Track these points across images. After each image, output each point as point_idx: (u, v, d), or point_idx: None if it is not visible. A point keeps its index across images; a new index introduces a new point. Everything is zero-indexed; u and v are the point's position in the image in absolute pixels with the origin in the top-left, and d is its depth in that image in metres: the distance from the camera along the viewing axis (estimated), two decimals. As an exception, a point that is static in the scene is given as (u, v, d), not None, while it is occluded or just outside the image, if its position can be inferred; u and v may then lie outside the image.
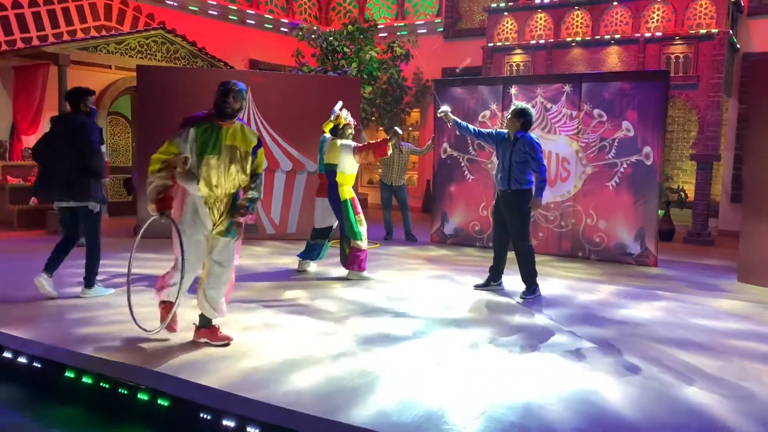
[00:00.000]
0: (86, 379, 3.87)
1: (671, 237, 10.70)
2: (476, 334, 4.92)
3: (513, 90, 9.11)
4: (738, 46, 11.47)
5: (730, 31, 10.55)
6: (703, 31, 10.44)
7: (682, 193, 11.39)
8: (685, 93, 10.63)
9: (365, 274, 6.82)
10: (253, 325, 4.93)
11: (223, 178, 4.23)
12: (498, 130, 6.57)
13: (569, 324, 5.29)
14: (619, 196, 8.43)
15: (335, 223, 7.04)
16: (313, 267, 7.24)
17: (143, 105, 9.33)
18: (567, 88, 8.70)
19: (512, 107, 6.39)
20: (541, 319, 5.46)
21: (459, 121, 6.65)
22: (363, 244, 6.76)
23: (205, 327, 4.46)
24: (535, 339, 4.82)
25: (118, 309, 5.35)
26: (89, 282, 5.85)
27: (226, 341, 4.40)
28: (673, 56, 10.73)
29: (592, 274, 7.61)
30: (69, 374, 3.94)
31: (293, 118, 9.23)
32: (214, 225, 4.33)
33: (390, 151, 6.65)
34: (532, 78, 10.09)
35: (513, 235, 6.28)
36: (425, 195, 14.52)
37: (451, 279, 7.04)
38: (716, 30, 10.35)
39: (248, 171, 4.35)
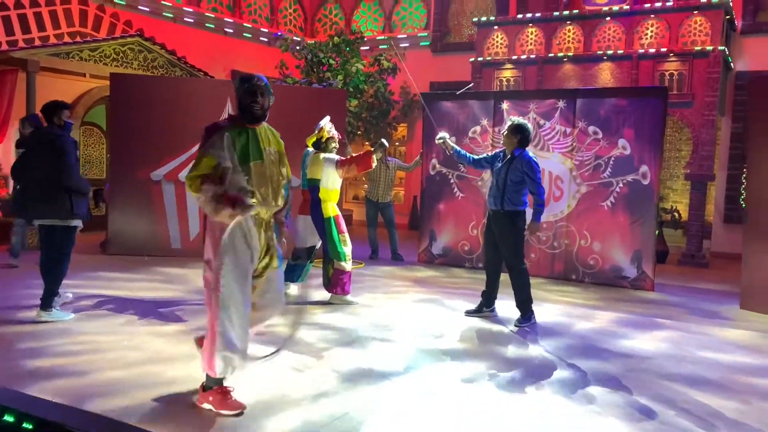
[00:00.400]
0: (27, 425, 3.37)
1: (665, 259, 10.37)
2: (470, 368, 4.49)
3: (505, 105, 8.76)
4: (732, 64, 11.26)
5: (725, 49, 10.32)
6: (698, 48, 10.20)
7: (675, 214, 11.09)
8: (680, 111, 10.37)
9: (349, 298, 6.37)
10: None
11: (271, 189, 3.59)
12: (495, 151, 6.19)
13: (570, 356, 4.88)
14: (614, 217, 8.08)
15: (318, 243, 6.60)
16: (293, 290, 6.76)
17: (117, 115, 8.84)
18: (561, 103, 8.36)
19: (508, 123, 6.00)
20: (539, 350, 5.04)
21: (458, 149, 6.25)
22: (347, 265, 6.33)
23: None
24: (535, 375, 4.40)
25: (77, 337, 4.87)
26: (47, 304, 5.35)
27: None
28: (667, 73, 10.48)
29: (588, 299, 7.22)
30: (8, 418, 3.43)
31: (275, 130, 8.79)
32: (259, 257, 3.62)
33: (374, 164, 6.22)
34: (525, 93, 9.76)
35: (506, 257, 5.88)
36: (412, 212, 14.11)
37: (441, 303, 6.61)
38: (711, 47, 10.11)
39: (284, 175, 3.78)
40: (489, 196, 5.99)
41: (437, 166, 9.21)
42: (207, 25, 13.63)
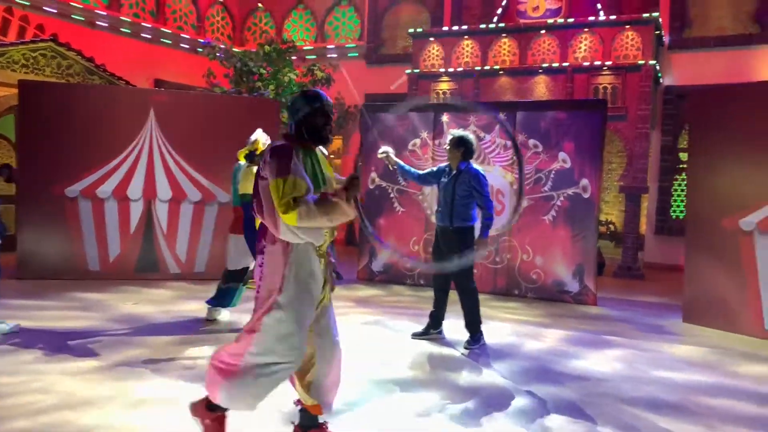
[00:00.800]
0: None
1: (602, 271, 10.39)
2: (423, 399, 4.14)
3: (445, 118, 8.54)
4: (661, 79, 11.50)
5: (656, 63, 10.52)
6: (630, 62, 10.34)
7: (611, 226, 11.18)
8: (614, 124, 10.45)
9: (286, 322, 5.91)
10: (145, 399, 3.91)
11: None
12: (439, 166, 5.89)
13: (525, 382, 4.61)
14: (555, 231, 7.97)
15: (251, 264, 6.12)
16: (224, 315, 6.25)
17: (27, 125, 8.04)
18: (501, 116, 8.21)
19: (449, 136, 5.72)
20: (492, 376, 4.75)
21: (402, 164, 5.85)
22: (283, 287, 5.87)
23: (314, 427, 3.34)
24: (492, 404, 4.09)
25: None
26: None
27: None
28: (601, 87, 10.58)
29: (533, 315, 7.04)
30: None
31: (203, 142, 8.26)
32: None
33: None
34: (465, 105, 9.57)
35: (456, 276, 5.60)
36: (348, 227, 13.75)
37: (385, 325, 6.25)
38: (643, 61, 10.27)
39: None
40: (437, 212, 5.70)
41: (376, 179, 8.89)
42: (123, 29, 12.82)
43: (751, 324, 6.33)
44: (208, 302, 6.15)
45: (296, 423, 3.37)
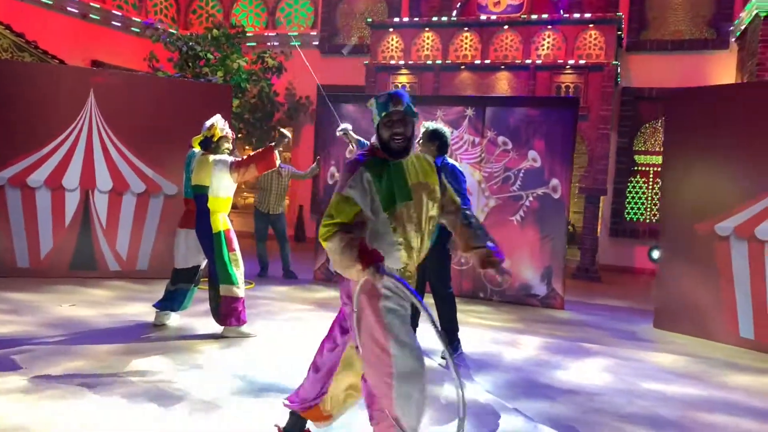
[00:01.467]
0: None
1: (562, 272, 10.23)
2: (407, 420, 3.69)
3: (410, 110, 8.11)
4: (620, 79, 11.44)
5: (618, 64, 10.41)
6: (593, 62, 10.19)
7: (571, 227, 11.04)
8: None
9: (244, 329, 5.36)
10: (87, 424, 3.32)
11: (419, 237, 2.85)
12: None
13: (513, 397, 4.24)
14: (524, 232, 7.68)
15: (203, 263, 5.54)
16: (174, 320, 5.64)
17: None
18: (469, 111, 7.86)
19: (422, 129, 5.29)
20: (476, 390, 4.35)
21: (364, 141, 5.48)
22: (239, 291, 5.30)
23: None
24: (481, 425, 3.69)
25: None
26: None
27: None
28: (563, 85, 10.39)
29: (504, 320, 6.72)
30: None
31: (147, 128, 7.57)
32: None
33: (278, 162, 5.29)
34: (432, 99, 9.18)
35: (432, 281, 5.20)
36: (298, 223, 13.20)
37: (350, 332, 5.77)
38: (606, 61, 10.13)
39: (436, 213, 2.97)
40: (412, 211, 5.27)
41: (336, 174, 8.38)
42: (56, 5, 11.76)
43: (726, 331, 6.18)
44: (155, 306, 5.53)
45: (282, 426, 3.24)
